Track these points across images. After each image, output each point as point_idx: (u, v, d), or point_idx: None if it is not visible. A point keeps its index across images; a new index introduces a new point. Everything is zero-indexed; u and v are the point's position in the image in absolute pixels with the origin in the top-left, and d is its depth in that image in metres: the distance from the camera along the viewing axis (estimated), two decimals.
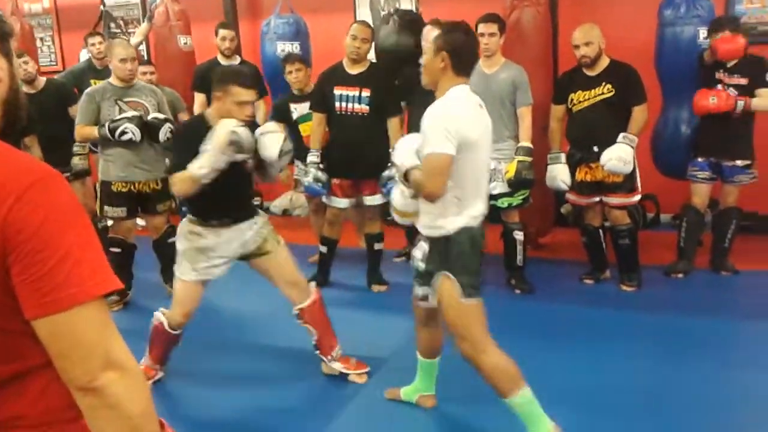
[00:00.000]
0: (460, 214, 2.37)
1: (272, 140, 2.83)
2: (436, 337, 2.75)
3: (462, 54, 2.38)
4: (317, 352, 3.12)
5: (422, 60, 2.50)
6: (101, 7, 6.38)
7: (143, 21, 6.49)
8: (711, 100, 4.01)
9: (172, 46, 5.70)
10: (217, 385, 3.18)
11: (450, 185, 2.31)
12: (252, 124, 2.89)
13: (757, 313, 3.72)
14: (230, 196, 2.87)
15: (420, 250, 2.46)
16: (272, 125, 3.08)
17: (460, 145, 2.27)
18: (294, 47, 5.25)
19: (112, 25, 6.48)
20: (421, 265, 2.46)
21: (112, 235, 4.15)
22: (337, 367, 3.12)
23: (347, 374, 3.12)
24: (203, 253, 2.91)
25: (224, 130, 2.64)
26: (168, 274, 4.35)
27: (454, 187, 2.33)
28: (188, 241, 2.93)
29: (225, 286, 4.66)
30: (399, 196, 2.64)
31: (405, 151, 2.46)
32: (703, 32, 4.20)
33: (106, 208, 4.05)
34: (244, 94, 2.75)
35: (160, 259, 4.30)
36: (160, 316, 3.01)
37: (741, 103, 3.96)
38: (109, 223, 4.29)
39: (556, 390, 2.95)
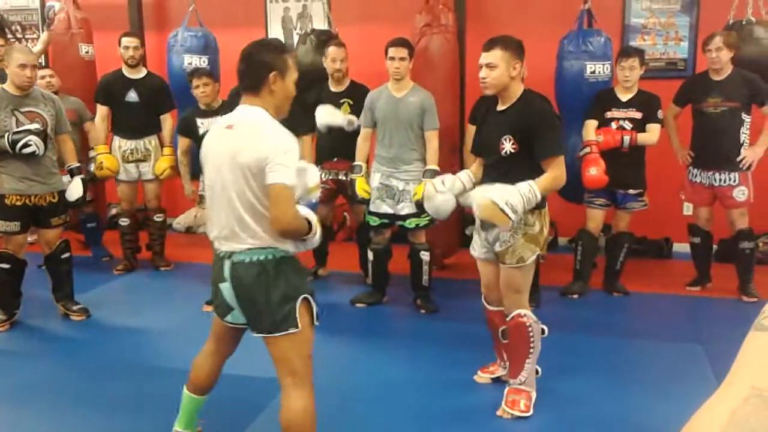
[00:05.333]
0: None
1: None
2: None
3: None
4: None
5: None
6: None
7: (42, 27, 6.21)
8: (598, 138, 4.24)
9: (72, 54, 5.47)
10: (119, 408, 3.03)
11: None
12: None
13: (645, 332, 3.94)
14: None
15: None
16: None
17: None
18: (202, 61, 5.16)
19: (6, 30, 6.12)
20: None
21: (1, 251, 3.91)
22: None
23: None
24: None
25: None
26: (60, 293, 4.13)
27: None
28: None
29: (119, 307, 4.51)
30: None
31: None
32: (590, 67, 4.48)
33: None
34: None
35: (52, 276, 4.09)
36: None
37: (627, 139, 4.21)
38: None
39: (459, 405, 3.00)
